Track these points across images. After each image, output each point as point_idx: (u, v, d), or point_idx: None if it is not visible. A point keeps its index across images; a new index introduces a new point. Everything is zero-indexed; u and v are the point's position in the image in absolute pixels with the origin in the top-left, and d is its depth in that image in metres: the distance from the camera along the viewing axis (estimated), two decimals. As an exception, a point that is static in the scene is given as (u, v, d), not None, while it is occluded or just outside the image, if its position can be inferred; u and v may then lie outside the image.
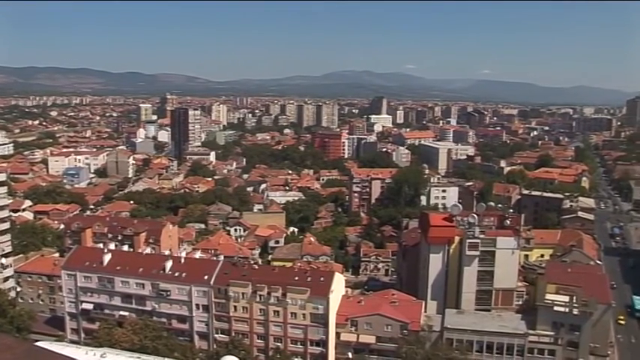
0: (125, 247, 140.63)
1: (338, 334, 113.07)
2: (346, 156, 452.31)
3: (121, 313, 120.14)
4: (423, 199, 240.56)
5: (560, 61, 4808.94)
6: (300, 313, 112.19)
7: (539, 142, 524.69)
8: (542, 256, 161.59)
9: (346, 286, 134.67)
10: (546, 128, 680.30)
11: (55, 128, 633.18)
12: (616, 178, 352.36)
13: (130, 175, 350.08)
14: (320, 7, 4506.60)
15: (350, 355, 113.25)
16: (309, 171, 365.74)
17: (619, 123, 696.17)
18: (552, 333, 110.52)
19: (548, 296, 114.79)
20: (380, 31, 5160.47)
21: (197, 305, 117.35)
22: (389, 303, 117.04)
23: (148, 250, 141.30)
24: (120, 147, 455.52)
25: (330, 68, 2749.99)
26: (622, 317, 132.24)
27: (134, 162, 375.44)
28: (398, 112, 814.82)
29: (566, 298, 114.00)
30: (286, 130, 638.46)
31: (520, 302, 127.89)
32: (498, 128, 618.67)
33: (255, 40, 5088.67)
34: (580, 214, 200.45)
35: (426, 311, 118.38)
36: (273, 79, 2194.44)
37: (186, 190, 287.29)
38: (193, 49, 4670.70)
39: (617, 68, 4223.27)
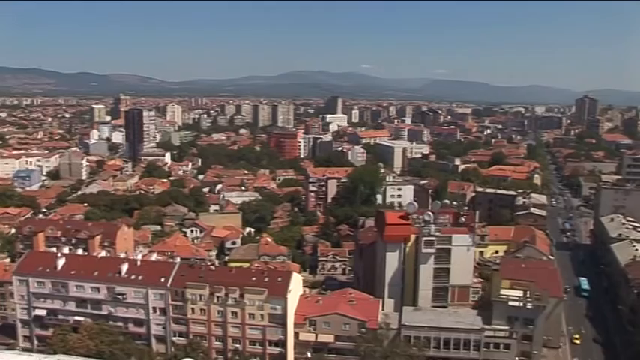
0: (79, 251, 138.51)
1: (296, 334, 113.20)
2: (302, 156, 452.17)
3: (76, 318, 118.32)
4: (379, 197, 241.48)
5: (513, 61, 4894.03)
6: (258, 314, 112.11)
7: (493, 141, 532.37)
8: (496, 252, 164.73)
9: (304, 286, 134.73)
10: (499, 127, 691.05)
11: (5, 130, 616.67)
12: (566, 174, 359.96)
13: (83, 178, 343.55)
14: (276, 6, 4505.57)
15: (309, 354, 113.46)
16: (265, 171, 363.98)
17: (569, 121, 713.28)
18: (507, 327, 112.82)
19: (503, 291, 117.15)
20: (336, 31, 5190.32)
21: (154, 308, 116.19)
22: (346, 302, 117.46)
23: (103, 254, 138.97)
24: (73, 149, 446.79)
25: (286, 68, 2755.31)
26: (577, 336, 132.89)
27: (88, 164, 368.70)
28: (353, 111, 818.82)
29: (520, 293, 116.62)
30: (242, 131, 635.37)
31: (476, 298, 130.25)
32: (452, 127, 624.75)
33: (210, 39, 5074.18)
34: (532, 210, 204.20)
35: (383, 309, 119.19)
36: (228, 79, 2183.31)
37: (142, 191, 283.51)
38: (146, 49, 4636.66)
39: (567, 68, 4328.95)
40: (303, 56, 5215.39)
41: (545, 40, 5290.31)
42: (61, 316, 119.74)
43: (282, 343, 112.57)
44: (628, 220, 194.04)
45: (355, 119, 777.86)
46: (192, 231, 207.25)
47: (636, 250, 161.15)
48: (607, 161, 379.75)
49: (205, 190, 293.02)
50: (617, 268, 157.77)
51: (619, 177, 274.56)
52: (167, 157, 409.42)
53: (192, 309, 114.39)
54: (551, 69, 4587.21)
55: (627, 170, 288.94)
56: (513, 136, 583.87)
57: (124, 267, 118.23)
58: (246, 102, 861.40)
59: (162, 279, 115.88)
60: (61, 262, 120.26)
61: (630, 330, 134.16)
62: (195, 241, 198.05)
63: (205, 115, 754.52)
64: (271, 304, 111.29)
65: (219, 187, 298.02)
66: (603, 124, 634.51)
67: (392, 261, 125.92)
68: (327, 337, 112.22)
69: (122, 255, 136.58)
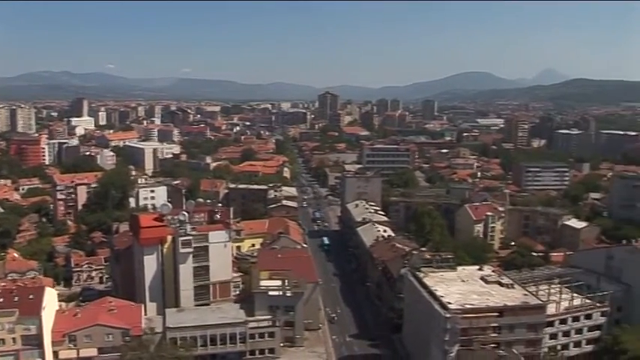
0: None
1: (56, 353, 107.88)
2: (47, 162, 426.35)
3: None
4: (132, 201, 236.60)
5: (257, 59, 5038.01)
6: (9, 338, 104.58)
7: (242, 137, 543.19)
8: (253, 245, 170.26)
9: (60, 300, 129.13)
10: (248, 123, 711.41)
11: None
12: (313, 166, 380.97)
13: None
14: (12, 4, 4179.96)
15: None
16: (7, 181, 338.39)
17: (313, 116, 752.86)
18: (270, 316, 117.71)
19: (263, 283, 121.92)
20: (79, 30, 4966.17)
21: None
22: (107, 311, 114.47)
23: None
24: None
25: (25, 69, 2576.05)
26: None
27: None
28: (100, 113, 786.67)
29: (279, 283, 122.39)
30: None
31: (237, 292, 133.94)
32: (202, 125, 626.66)
33: None
34: (284, 202, 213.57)
35: (146, 314, 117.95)
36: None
37: None
38: None
39: (308, 66, 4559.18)
40: (44, 56, 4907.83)
41: (285, 39, 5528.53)
42: None
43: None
44: (370, 205, 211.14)
45: (103, 121, 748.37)
46: None
47: (379, 231, 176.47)
48: (349, 152, 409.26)
49: None
50: (363, 249, 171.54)
51: (360, 166, 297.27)
52: None
53: None
54: (293, 67, 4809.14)
55: (367, 159, 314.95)
56: (262, 132, 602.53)
57: None
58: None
59: None
60: None
61: (378, 304, 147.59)
62: None
63: None
64: (24, 325, 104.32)
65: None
66: (344, 118, 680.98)
67: (150, 264, 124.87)
68: (90, 352, 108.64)
69: None
